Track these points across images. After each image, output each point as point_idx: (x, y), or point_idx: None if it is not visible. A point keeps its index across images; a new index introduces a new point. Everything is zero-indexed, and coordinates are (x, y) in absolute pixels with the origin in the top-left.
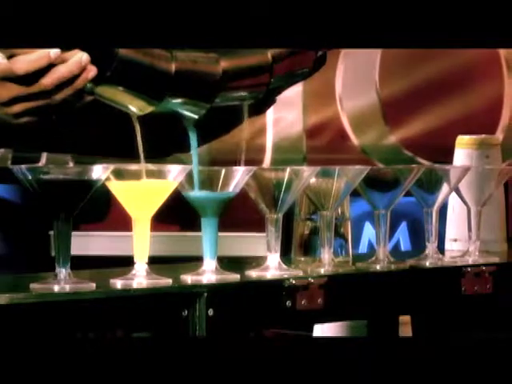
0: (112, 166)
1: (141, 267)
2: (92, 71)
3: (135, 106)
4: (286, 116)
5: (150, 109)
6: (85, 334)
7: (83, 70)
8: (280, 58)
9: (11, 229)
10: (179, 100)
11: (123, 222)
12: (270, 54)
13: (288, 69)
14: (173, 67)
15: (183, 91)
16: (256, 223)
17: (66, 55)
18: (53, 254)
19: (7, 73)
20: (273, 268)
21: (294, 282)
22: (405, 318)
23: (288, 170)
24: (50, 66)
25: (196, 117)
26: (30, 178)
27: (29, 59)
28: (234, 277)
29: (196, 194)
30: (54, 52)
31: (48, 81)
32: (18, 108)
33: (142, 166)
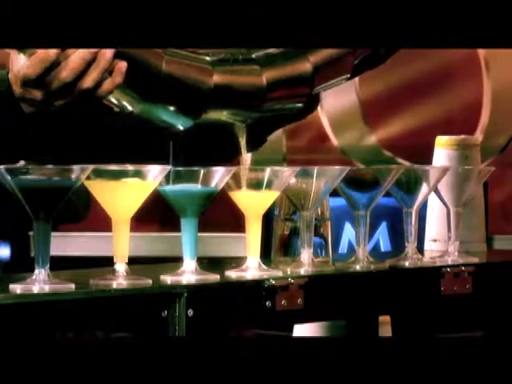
0: (91, 166)
1: (120, 268)
2: (110, 52)
3: (120, 103)
4: None
5: (136, 108)
6: (64, 334)
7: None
8: (274, 85)
9: None
10: (165, 106)
11: (103, 223)
12: (264, 78)
13: (281, 99)
14: (163, 65)
15: (169, 95)
16: (235, 224)
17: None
18: (32, 254)
19: (27, 77)
20: (252, 268)
21: (273, 282)
22: (385, 318)
23: (268, 170)
24: (55, 63)
25: (181, 128)
26: (8, 178)
27: (31, 64)
28: (214, 277)
29: (175, 187)
30: (53, 51)
31: (64, 74)
32: (59, 103)
33: (122, 166)
